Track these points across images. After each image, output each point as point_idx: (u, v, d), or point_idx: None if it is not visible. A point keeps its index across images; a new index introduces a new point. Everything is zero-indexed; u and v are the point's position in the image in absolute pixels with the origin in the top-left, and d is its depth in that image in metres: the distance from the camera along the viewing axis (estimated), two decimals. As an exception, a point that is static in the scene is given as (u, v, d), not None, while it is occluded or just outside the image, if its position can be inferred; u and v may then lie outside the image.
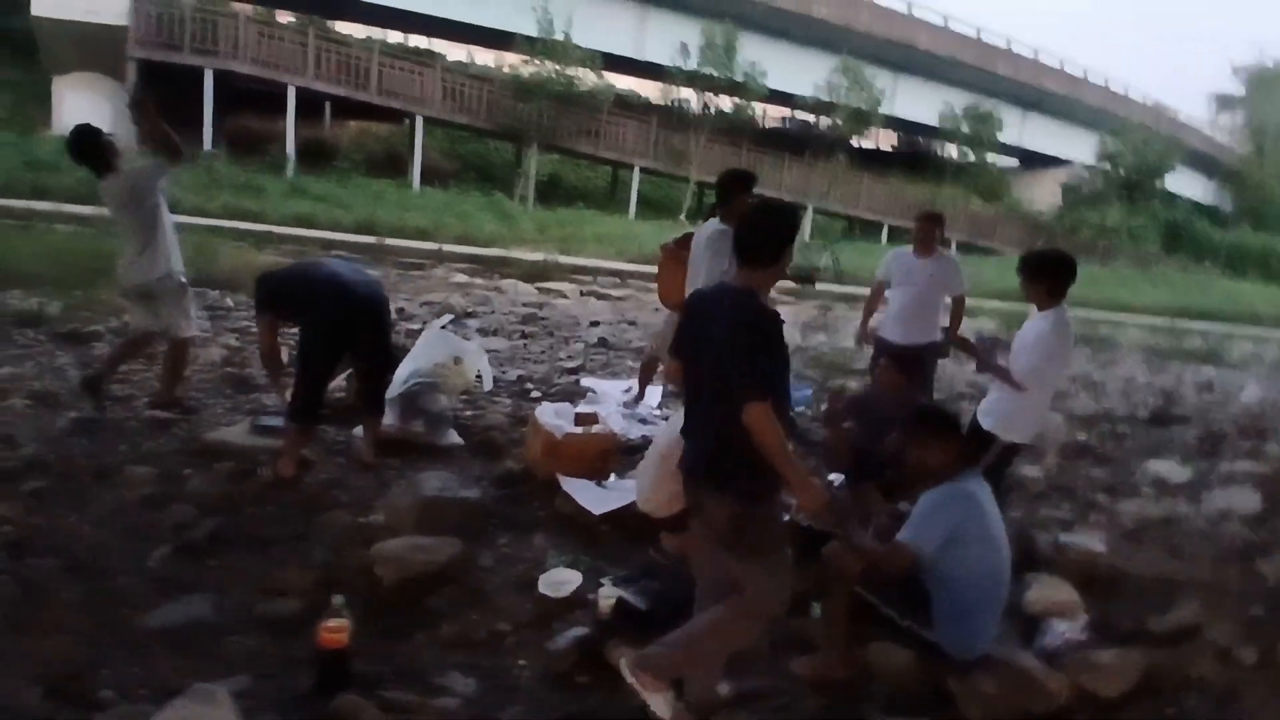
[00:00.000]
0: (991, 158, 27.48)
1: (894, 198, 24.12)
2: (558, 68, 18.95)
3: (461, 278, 12.35)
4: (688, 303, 2.71)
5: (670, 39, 21.28)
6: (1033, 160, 31.09)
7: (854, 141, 26.44)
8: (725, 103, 21.91)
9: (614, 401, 5.68)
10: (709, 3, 21.44)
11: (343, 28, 24.35)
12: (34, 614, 2.76)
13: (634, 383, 6.21)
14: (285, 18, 23.21)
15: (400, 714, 2.44)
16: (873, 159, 28.65)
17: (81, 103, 17.69)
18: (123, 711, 2.30)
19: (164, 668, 2.59)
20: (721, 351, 2.30)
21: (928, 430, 2.78)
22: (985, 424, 3.81)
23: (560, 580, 3.20)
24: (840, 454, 4.29)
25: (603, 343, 7.95)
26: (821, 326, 10.58)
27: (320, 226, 14.23)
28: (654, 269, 5.29)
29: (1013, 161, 31.79)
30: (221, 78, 18.06)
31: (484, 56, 24.53)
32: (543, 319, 9.03)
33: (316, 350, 3.83)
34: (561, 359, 7.13)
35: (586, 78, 19.70)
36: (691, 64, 20.78)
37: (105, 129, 4.52)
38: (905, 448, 4.25)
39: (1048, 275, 3.58)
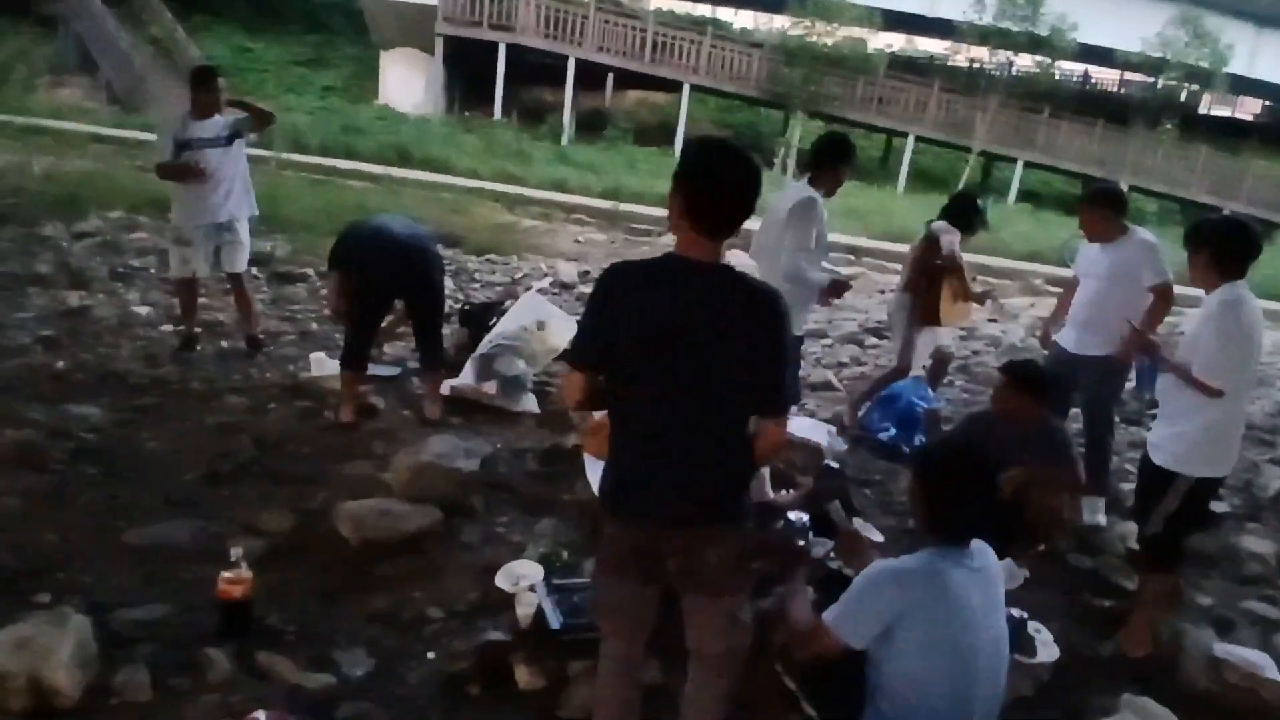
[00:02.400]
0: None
1: (1239, 177, 19.64)
2: (827, 28, 17.86)
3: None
4: (622, 281, 1.84)
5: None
6: None
7: (1202, 108, 21.97)
8: (1026, 62, 19.22)
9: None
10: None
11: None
12: (46, 510, 3.07)
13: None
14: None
15: (257, 678, 2.34)
16: (1223, 129, 23.60)
17: (401, 74, 20.27)
18: (41, 616, 2.43)
19: (112, 583, 2.74)
20: (731, 353, 1.74)
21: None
22: (1158, 459, 2.92)
23: (520, 573, 2.90)
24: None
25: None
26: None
27: (571, 191, 14.90)
28: (897, 247, 4.68)
29: None
30: (513, 51, 19.57)
31: (761, 21, 23.91)
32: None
33: (360, 302, 3.90)
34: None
35: (860, 38, 18.37)
36: (987, 19, 18.47)
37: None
38: (1023, 489, 3.36)
39: (1214, 246, 2.80)
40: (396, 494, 3.25)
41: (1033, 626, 2.94)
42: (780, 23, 19.71)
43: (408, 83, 19.97)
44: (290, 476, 3.54)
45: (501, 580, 2.87)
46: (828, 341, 6.99)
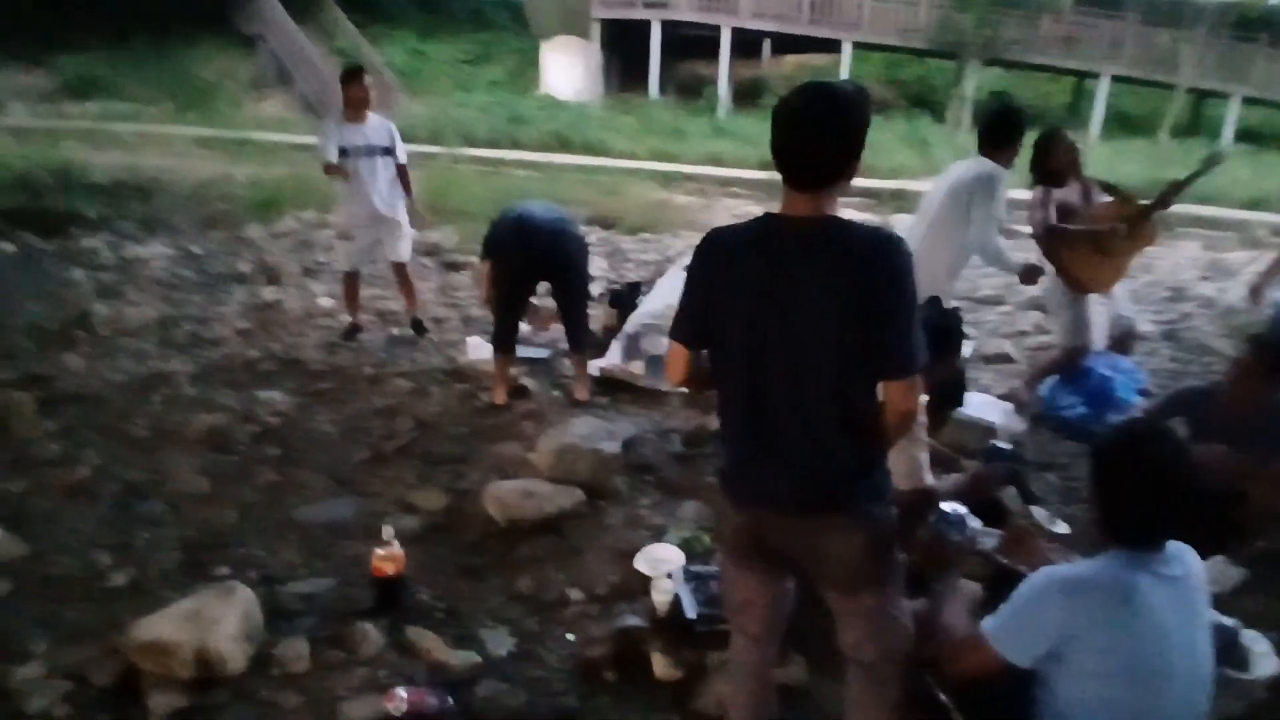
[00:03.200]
0: None
1: None
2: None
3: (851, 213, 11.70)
4: (718, 249, 1.68)
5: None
6: None
7: None
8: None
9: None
10: None
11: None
12: (228, 488, 3.35)
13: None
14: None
15: (409, 656, 2.42)
16: None
17: (560, 62, 20.74)
18: (211, 589, 2.64)
19: (282, 558, 2.94)
20: (842, 312, 1.54)
21: None
22: None
23: (661, 558, 2.82)
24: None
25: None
26: None
27: (727, 164, 14.67)
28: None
29: None
30: (668, 27, 19.47)
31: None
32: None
33: (503, 286, 3.98)
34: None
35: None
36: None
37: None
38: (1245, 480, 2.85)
39: None
40: (542, 475, 3.27)
41: (1249, 636, 2.51)
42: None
43: (567, 70, 20.40)
44: (446, 457, 3.67)
45: (641, 564, 2.81)
46: (1006, 308, 6.41)
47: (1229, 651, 2.40)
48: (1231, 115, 17.45)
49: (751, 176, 13.62)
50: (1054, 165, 4.02)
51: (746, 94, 19.79)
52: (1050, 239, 4.04)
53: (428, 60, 22.67)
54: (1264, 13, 17.20)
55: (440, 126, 16.35)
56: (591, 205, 10.40)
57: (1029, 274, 3.83)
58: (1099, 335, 4.15)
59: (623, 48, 20.32)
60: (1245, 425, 2.98)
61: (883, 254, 1.54)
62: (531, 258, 3.88)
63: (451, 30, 23.49)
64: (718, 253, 1.67)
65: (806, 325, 1.56)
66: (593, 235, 8.80)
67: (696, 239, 1.73)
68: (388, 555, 2.62)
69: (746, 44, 20.00)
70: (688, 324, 1.73)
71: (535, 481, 3.20)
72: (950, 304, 3.34)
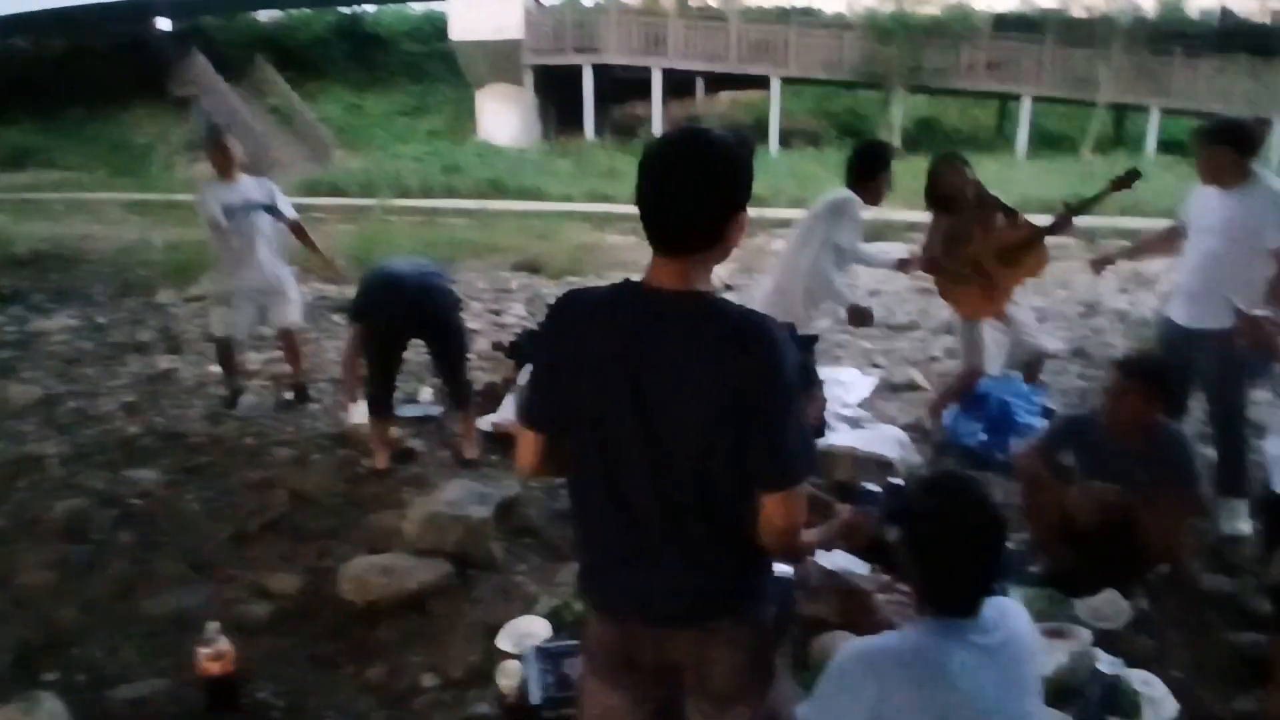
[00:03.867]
0: None
1: None
2: (920, -3, 16.89)
3: (780, 244, 11.75)
4: (567, 313, 1.44)
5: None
6: None
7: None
8: (1150, 2, 17.42)
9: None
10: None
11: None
12: (76, 582, 3.11)
13: (836, 372, 5.16)
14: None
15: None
16: None
17: (496, 109, 20.81)
18: (24, 701, 2.40)
19: (120, 657, 2.70)
20: (706, 404, 1.31)
21: None
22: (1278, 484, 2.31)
23: (525, 632, 2.65)
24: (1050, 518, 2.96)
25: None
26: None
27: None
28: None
29: None
30: (601, 71, 19.67)
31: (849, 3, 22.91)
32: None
33: (373, 346, 3.84)
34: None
35: (956, 2, 17.24)
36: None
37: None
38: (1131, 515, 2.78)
39: None
40: (410, 546, 3.08)
41: (1140, 679, 2.40)
42: (869, 1, 18.76)
43: (503, 117, 20.47)
44: (316, 531, 3.46)
45: (503, 641, 2.63)
46: (919, 334, 6.39)
47: (1112, 701, 2.29)
48: (1153, 127, 17.99)
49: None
50: (943, 191, 3.98)
51: (683, 132, 19.99)
52: (931, 268, 4.01)
53: (364, 114, 22.62)
54: (1177, 26, 17.80)
55: (373, 179, 16.27)
56: (520, 251, 10.32)
57: (854, 315, 3.75)
58: (992, 359, 4.09)
59: (558, 93, 20.47)
60: (1128, 452, 2.90)
61: (755, 343, 1.30)
62: (397, 315, 3.74)
63: (387, 83, 23.51)
64: (570, 321, 1.42)
65: (666, 418, 1.33)
66: (514, 281, 8.71)
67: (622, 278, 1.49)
68: (214, 653, 2.41)
69: (682, 84, 20.27)
70: (538, 404, 1.47)
71: (398, 556, 3.01)
72: (809, 331, 3.27)
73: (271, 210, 4.67)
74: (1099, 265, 3.78)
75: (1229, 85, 17.13)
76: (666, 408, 1.33)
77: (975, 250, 3.94)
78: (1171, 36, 17.69)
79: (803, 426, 1.39)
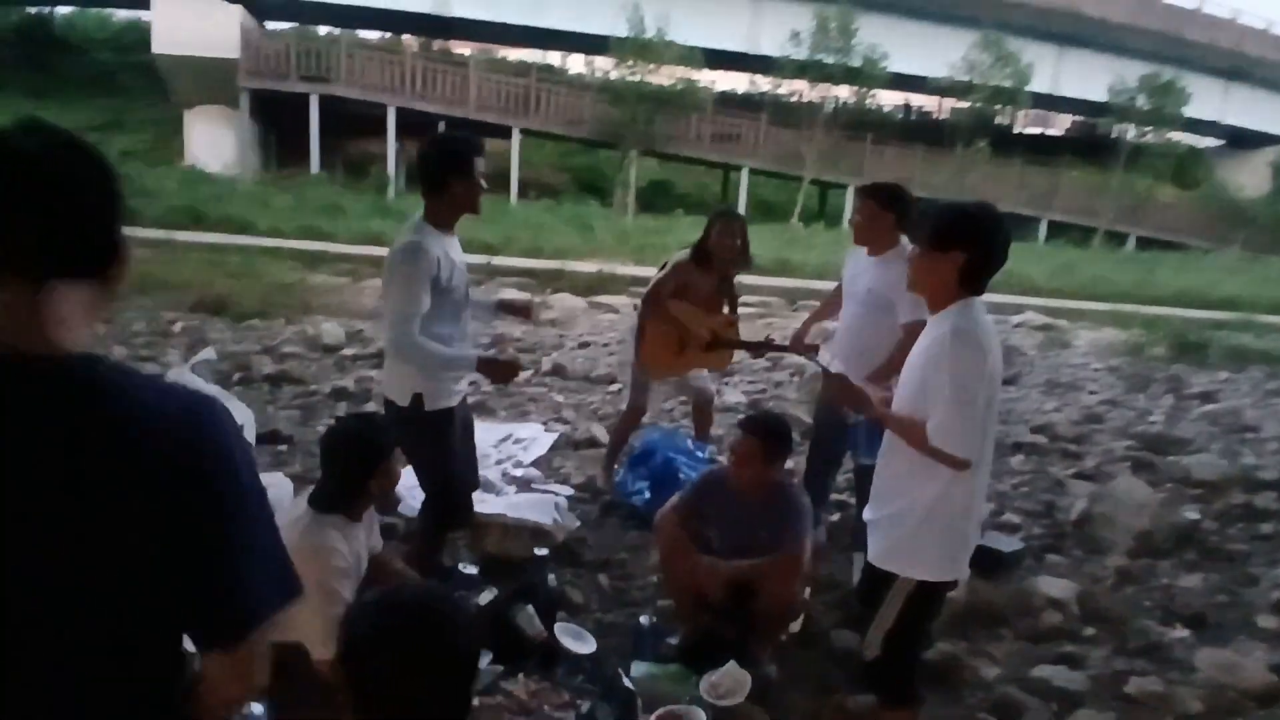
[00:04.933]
0: (1184, 137, 23.10)
1: (1053, 189, 20.79)
2: (651, 68, 17.81)
3: (510, 292, 11.46)
4: None
5: (786, 29, 19.55)
6: (1242, 139, 26.06)
7: (1016, 128, 23.26)
8: (844, 92, 19.80)
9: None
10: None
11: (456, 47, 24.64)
12: None
13: (517, 429, 4.88)
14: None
15: None
16: (1037, 145, 25.16)
17: (207, 133, 18.82)
18: None
19: None
20: (112, 527, 0.88)
21: None
22: (874, 556, 2.21)
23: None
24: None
25: (557, 371, 6.59)
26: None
27: (388, 244, 13.91)
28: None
29: (1216, 141, 26.88)
30: (333, 103, 18.51)
31: (589, 64, 23.86)
32: (517, 339, 7.82)
33: None
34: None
35: (684, 77, 18.43)
36: (804, 53, 18.91)
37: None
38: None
39: (970, 244, 1.99)
40: None
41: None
42: (605, 64, 19.53)
43: (215, 142, 18.54)
44: None
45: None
46: (616, 387, 6.31)
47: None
48: (849, 202, 20.31)
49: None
50: (706, 245, 3.80)
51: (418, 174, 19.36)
52: (649, 304, 3.86)
53: (42, 126, 19.51)
54: (868, 116, 20.31)
55: None
56: (206, 288, 9.09)
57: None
58: (657, 402, 4.02)
59: (282, 121, 18.97)
60: (753, 507, 2.82)
61: (192, 436, 0.91)
62: None
63: (73, 95, 20.49)
64: None
65: (49, 542, 0.87)
66: (180, 324, 7.57)
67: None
68: None
69: (422, 125, 19.63)
70: None
71: None
72: (442, 405, 2.81)
73: None
74: (807, 350, 3.67)
75: (907, 169, 19.81)
76: (46, 532, 0.87)
77: (690, 316, 3.84)
78: (863, 124, 20.17)
79: (271, 550, 0.98)
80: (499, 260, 13.23)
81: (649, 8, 18.05)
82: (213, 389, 3.88)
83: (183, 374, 3.94)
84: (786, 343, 3.73)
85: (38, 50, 21.84)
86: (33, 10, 23.68)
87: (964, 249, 1.99)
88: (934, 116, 26.67)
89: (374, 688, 1.11)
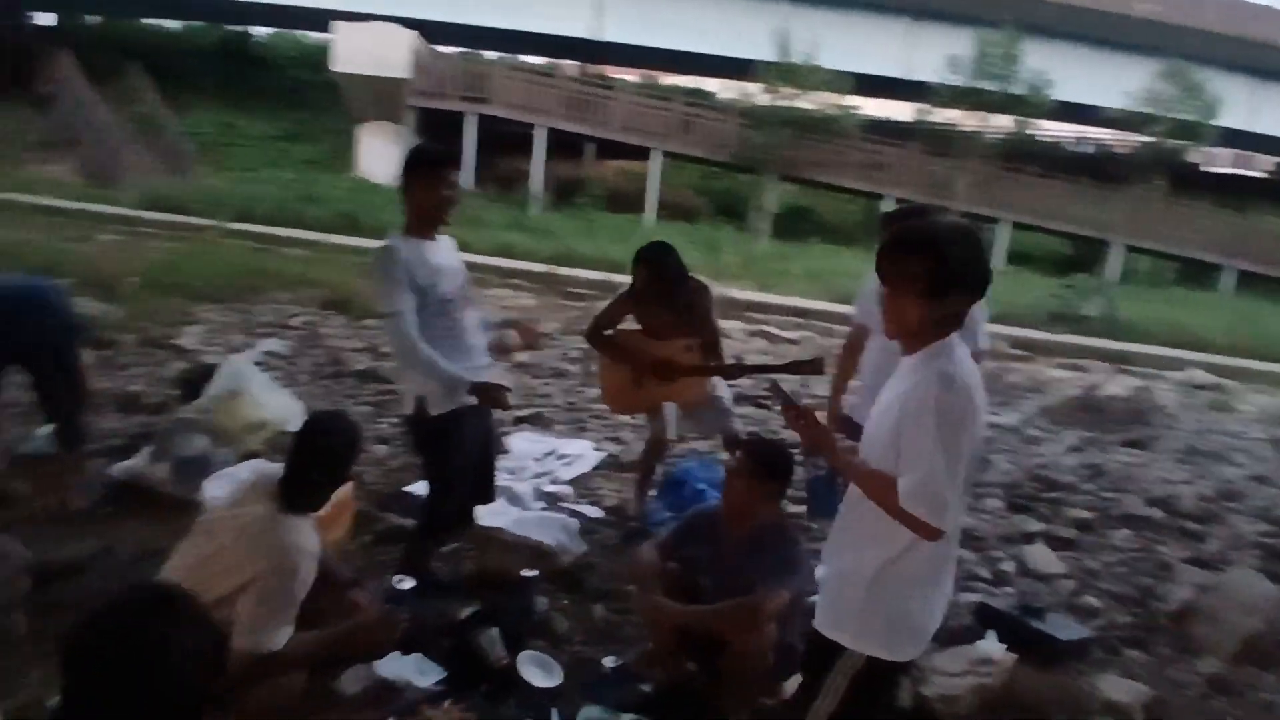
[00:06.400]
0: None
1: (1244, 234, 18.57)
2: (795, 92, 17.52)
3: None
4: None
5: (942, 54, 18.71)
6: None
7: (1206, 166, 21.09)
8: (1004, 121, 18.62)
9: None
10: (992, 10, 18.48)
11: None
12: None
13: (563, 444, 4.84)
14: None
15: None
16: (1231, 187, 22.65)
17: (376, 147, 20.32)
18: None
19: None
20: None
21: None
22: (820, 620, 1.98)
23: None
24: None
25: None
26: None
27: (515, 256, 14.44)
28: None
29: None
30: (487, 122, 19.53)
31: (741, 90, 23.79)
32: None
33: None
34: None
35: (832, 102, 17.99)
36: (962, 79, 17.98)
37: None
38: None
39: (946, 273, 1.74)
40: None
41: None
42: (751, 89, 19.41)
43: (382, 154, 19.97)
44: None
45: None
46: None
47: None
48: (1003, 238, 19.05)
49: (535, 269, 13.44)
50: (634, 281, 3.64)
51: (567, 191, 20.03)
52: (590, 340, 3.73)
53: (237, 134, 21.82)
54: (1030, 147, 19.02)
55: (222, 199, 15.47)
56: (340, 288, 9.74)
57: (478, 391, 2.84)
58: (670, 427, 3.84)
59: (443, 138, 20.17)
60: (741, 550, 2.62)
61: None
62: None
63: (265, 106, 22.73)
64: None
65: None
66: (301, 318, 8.12)
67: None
68: None
69: (571, 145, 20.35)
70: None
71: None
72: (445, 409, 2.83)
73: None
74: (833, 420, 3.41)
75: (1072, 206, 18.37)
76: None
77: (637, 346, 3.65)
78: (1025, 155, 18.90)
79: None
80: (616, 277, 13.42)
81: (801, 33, 17.83)
82: (261, 378, 4.09)
83: (233, 362, 4.18)
84: (764, 364, 3.46)
85: (236, 65, 24.35)
86: (232, 29, 26.48)
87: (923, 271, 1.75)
88: (1111, 149, 24.63)
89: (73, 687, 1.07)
